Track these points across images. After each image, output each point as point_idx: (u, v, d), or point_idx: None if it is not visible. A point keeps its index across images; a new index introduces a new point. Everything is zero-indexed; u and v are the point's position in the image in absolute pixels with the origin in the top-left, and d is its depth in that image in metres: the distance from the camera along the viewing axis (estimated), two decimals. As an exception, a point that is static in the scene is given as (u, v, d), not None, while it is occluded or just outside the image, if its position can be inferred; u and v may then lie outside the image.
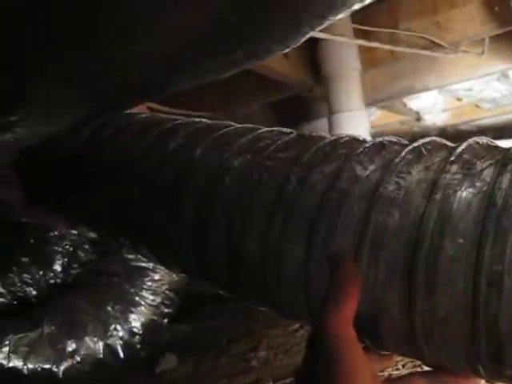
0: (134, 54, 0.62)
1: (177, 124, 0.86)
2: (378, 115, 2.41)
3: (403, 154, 0.51)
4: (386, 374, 1.57)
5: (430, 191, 0.45)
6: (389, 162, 0.51)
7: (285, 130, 0.69)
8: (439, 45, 1.87)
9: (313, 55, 1.87)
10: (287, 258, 0.54)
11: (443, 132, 2.72)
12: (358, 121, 1.67)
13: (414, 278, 0.45)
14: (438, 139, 0.55)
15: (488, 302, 0.42)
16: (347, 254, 0.47)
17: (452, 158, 0.47)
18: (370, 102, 2.13)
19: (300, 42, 0.65)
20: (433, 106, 2.48)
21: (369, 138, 1.73)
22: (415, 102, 2.41)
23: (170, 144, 0.78)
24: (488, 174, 0.45)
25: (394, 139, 0.58)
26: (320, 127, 2.07)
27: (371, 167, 0.52)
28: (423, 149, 0.52)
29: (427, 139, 0.54)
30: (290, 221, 0.54)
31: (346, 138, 0.61)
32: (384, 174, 0.50)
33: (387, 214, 0.47)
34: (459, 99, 2.53)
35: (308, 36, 0.63)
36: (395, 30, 1.87)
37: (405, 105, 2.39)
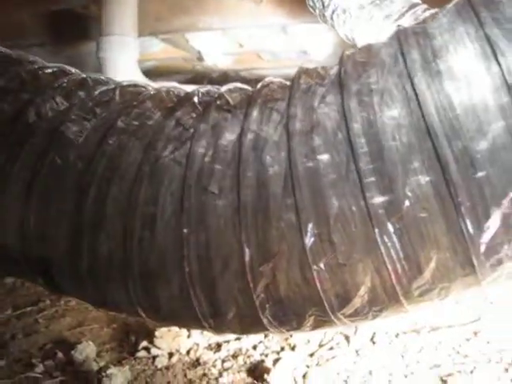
0: None
1: None
2: (161, 48, 2.36)
3: (95, 94, 0.50)
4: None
5: (103, 137, 0.46)
6: (80, 101, 0.50)
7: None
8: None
9: (93, -30, 1.72)
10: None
11: (225, 76, 2.77)
12: (127, 47, 1.59)
13: (80, 219, 0.45)
14: (140, 83, 0.55)
15: (141, 243, 0.44)
16: None
17: (135, 103, 0.48)
18: (151, 32, 2.06)
19: None
20: (214, 48, 2.51)
21: (135, 67, 1.64)
22: (198, 41, 2.41)
23: None
24: (157, 120, 0.47)
25: (101, 78, 0.56)
26: (92, 50, 1.95)
27: (64, 103, 0.50)
28: (118, 92, 0.51)
29: (128, 82, 0.54)
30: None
31: (54, 69, 0.57)
32: (71, 112, 0.48)
33: (64, 155, 0.46)
34: (241, 45, 2.60)
35: None
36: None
37: (187, 41, 2.37)
